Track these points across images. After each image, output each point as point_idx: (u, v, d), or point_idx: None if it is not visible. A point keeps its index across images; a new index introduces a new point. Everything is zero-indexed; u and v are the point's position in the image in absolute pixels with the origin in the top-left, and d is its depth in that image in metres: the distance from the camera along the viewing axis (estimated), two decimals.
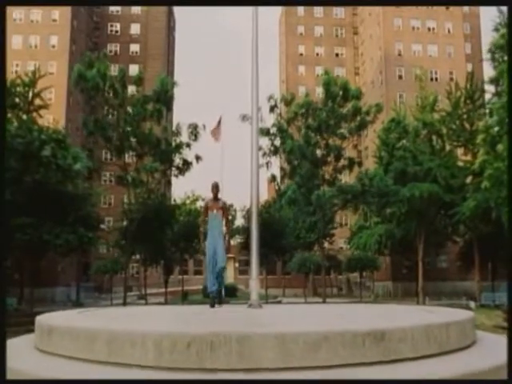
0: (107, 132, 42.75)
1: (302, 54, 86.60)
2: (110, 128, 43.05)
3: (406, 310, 8.92)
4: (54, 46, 62.48)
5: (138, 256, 49.45)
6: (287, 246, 45.87)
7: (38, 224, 34.21)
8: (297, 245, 49.41)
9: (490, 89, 38.25)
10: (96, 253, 59.92)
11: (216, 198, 10.41)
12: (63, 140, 37.03)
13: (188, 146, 44.88)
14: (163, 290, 48.17)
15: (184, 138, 45.17)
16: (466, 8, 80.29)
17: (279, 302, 41.14)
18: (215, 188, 10.47)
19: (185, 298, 45.46)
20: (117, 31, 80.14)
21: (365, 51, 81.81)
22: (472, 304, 38.12)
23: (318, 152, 43.32)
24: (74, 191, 38.73)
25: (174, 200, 55.16)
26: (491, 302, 39.46)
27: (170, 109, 45.99)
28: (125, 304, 38.89)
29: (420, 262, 43.53)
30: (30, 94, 41.47)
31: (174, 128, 45.94)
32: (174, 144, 44.95)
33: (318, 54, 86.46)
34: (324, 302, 38.61)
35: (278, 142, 43.86)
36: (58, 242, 35.12)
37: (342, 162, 44.55)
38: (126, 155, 44.64)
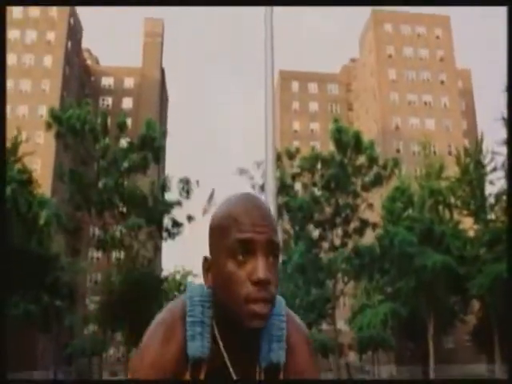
0: (85, 186, 37.30)
1: (296, 131, 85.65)
2: (89, 181, 37.69)
3: None
4: (42, 116, 60.62)
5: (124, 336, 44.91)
6: None
7: None
8: None
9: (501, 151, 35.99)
10: (81, 332, 55.70)
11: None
12: (29, 181, 31.20)
13: (179, 203, 39.32)
14: None
15: (174, 194, 40.10)
16: (460, 84, 80.00)
17: None
18: None
19: None
20: (108, 105, 78.82)
21: (361, 126, 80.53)
22: None
23: (327, 210, 38.88)
24: (39, 249, 32.12)
25: (161, 270, 50.38)
26: None
27: (157, 159, 40.41)
28: None
29: (431, 343, 39.91)
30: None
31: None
32: (163, 201, 39.70)
33: (312, 130, 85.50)
34: None
35: (280, 201, 39.54)
36: (15, 313, 28.62)
37: (354, 224, 39.74)
38: (107, 214, 38.57)
